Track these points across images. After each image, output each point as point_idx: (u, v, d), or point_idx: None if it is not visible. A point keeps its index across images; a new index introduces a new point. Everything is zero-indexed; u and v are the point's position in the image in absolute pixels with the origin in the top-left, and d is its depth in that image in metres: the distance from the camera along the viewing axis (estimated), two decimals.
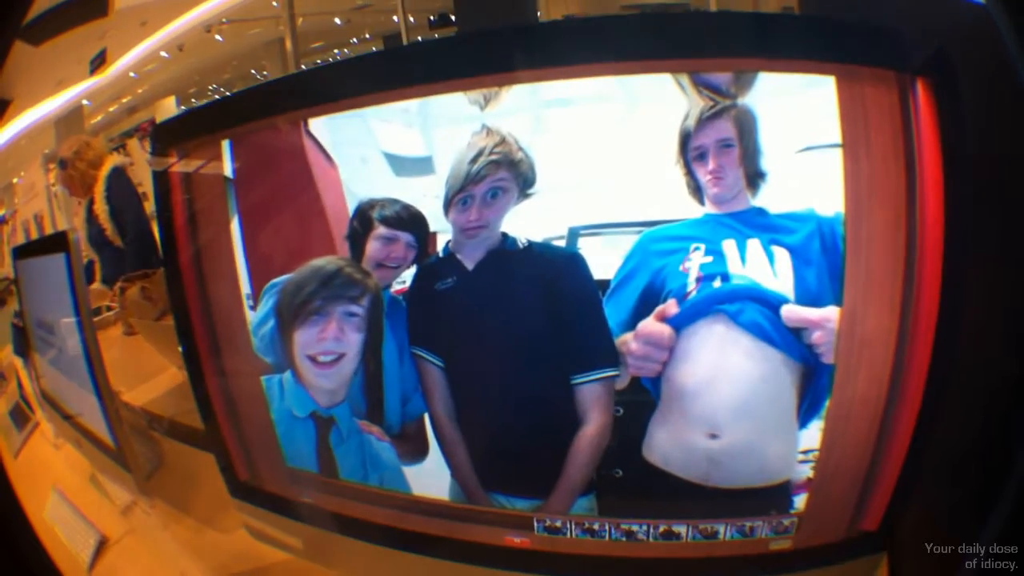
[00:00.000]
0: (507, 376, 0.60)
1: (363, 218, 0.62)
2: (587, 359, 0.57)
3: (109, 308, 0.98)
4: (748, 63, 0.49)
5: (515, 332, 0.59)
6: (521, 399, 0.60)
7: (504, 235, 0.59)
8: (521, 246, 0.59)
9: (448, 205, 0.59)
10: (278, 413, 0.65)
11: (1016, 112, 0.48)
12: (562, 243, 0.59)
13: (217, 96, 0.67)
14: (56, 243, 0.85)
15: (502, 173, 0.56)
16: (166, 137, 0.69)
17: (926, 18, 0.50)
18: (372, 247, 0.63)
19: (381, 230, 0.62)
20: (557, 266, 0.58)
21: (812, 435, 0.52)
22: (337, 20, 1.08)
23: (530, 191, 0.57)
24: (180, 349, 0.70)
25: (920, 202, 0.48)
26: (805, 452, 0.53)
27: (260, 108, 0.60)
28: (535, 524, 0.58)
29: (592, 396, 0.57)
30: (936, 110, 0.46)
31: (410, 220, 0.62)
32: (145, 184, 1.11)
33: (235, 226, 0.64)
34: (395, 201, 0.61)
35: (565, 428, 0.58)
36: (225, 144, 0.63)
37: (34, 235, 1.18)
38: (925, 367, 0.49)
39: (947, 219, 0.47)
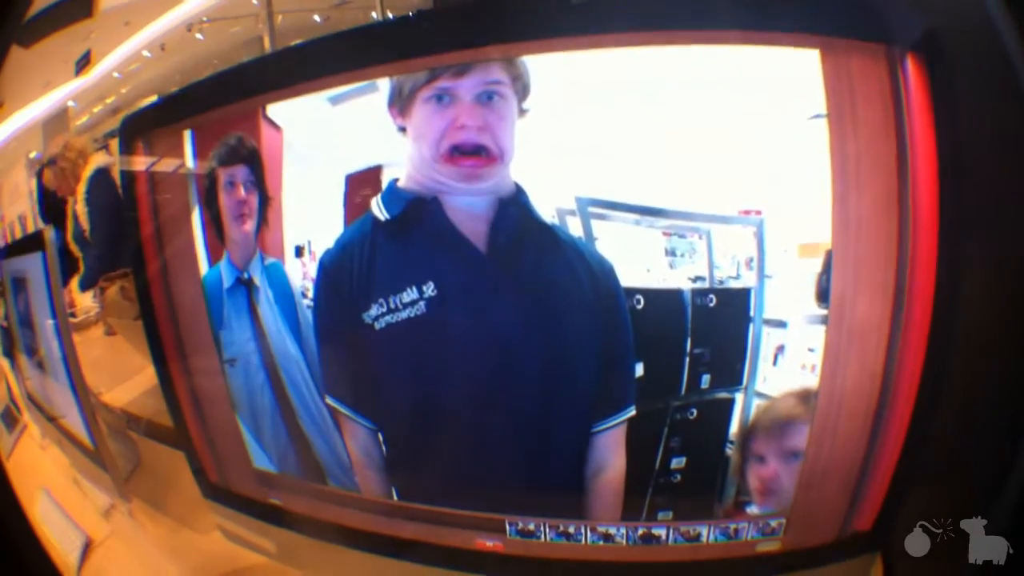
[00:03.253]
0: (508, 432, 0.46)
1: (208, 172, 0.55)
2: (616, 400, 0.46)
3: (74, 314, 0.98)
4: (730, 36, 0.46)
5: (539, 365, 0.44)
6: (518, 460, 0.47)
7: (518, 188, 0.42)
8: (548, 220, 0.42)
9: (403, 99, 0.42)
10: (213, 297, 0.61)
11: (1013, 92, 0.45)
12: (575, 221, 0.43)
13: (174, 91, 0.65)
14: (33, 243, 0.84)
15: (495, 71, 0.41)
16: (131, 132, 0.68)
17: None
18: (223, 201, 0.55)
19: (221, 175, 0.55)
20: (593, 272, 0.43)
21: None
22: (316, 17, 1.06)
23: (526, 106, 0.42)
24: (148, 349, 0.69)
25: (912, 181, 0.45)
26: None
27: (223, 95, 0.58)
28: (507, 527, 0.55)
29: (615, 440, 0.47)
30: (929, 86, 0.44)
31: (243, 150, 0.52)
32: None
33: (196, 220, 0.62)
34: (229, 136, 0.53)
35: (573, 480, 0.48)
36: (187, 135, 0.61)
37: (19, 236, 1.19)
38: (921, 357, 0.47)
39: (942, 199, 0.45)
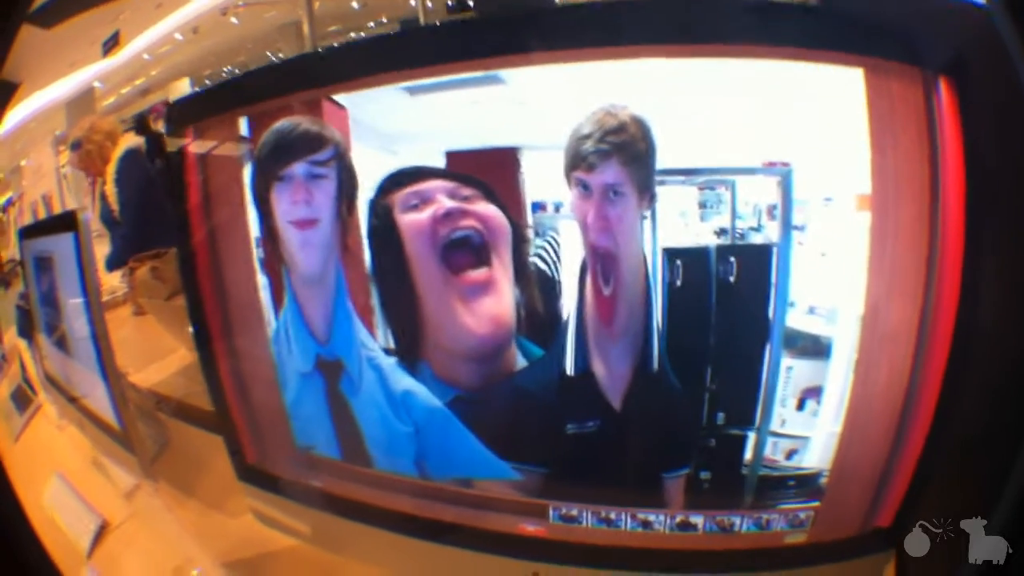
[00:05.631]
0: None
1: (259, 166, 0.52)
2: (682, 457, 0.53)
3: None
4: (781, 52, 0.48)
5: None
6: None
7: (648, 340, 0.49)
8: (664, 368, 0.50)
9: (568, 171, 0.47)
10: (287, 379, 0.61)
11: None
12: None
13: (231, 78, 0.65)
14: (64, 222, 0.84)
15: (614, 169, 0.46)
16: (181, 116, 0.69)
17: (948, 20, 0.50)
18: (276, 206, 0.52)
19: (275, 169, 0.51)
20: (680, 406, 0.51)
21: None
22: (354, 3, 1.07)
23: (653, 200, 0.47)
24: (191, 330, 0.70)
25: (943, 199, 0.48)
26: None
27: (280, 86, 0.59)
28: (550, 512, 0.57)
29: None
30: (958, 108, 0.46)
31: (302, 138, 0.49)
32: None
33: (250, 204, 0.62)
34: (285, 122, 0.51)
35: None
36: (242, 121, 0.62)
37: (42, 215, 1.17)
38: (943, 360, 0.49)
39: (968, 217, 0.47)
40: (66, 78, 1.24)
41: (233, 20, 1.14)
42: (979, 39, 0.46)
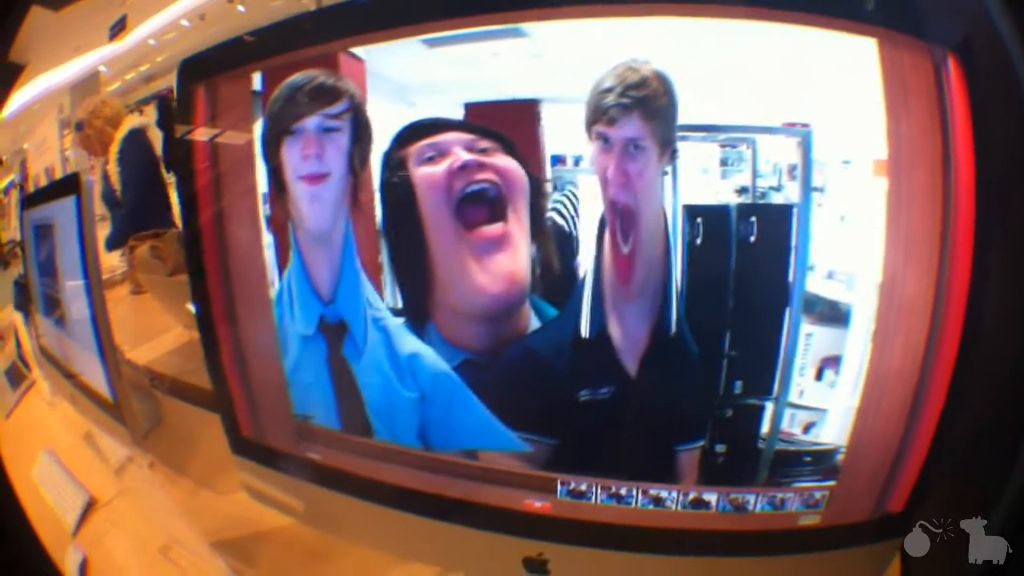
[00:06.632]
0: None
1: (271, 120, 0.51)
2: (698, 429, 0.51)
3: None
4: (794, 17, 0.48)
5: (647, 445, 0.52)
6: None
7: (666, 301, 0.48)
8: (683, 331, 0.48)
9: (589, 125, 0.47)
10: (288, 343, 0.59)
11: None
12: None
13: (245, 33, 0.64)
14: (67, 186, 0.82)
15: (635, 124, 0.46)
16: (193, 72, 0.67)
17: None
18: (286, 160, 0.51)
19: (287, 123, 0.50)
20: (698, 372, 0.50)
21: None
22: None
23: (674, 156, 0.47)
24: (191, 303, 0.68)
25: (955, 170, 0.47)
26: None
27: (295, 40, 0.58)
28: (558, 487, 0.55)
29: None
30: (967, 86, 0.46)
31: (316, 91, 0.48)
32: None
33: (260, 171, 0.61)
34: (299, 75, 0.50)
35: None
36: (256, 77, 0.60)
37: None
38: (957, 337, 0.48)
39: (978, 191, 0.46)
40: (72, 61, 1.24)
41: (240, 8, 1.13)
42: (984, 19, 0.46)
